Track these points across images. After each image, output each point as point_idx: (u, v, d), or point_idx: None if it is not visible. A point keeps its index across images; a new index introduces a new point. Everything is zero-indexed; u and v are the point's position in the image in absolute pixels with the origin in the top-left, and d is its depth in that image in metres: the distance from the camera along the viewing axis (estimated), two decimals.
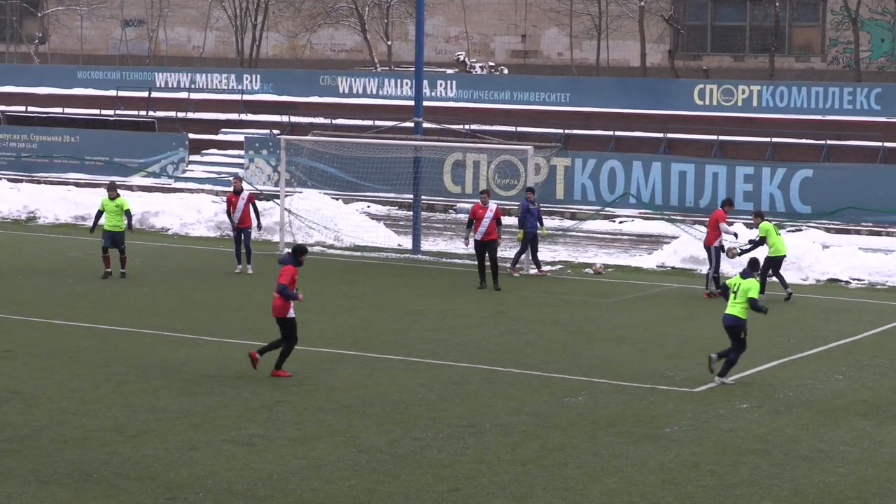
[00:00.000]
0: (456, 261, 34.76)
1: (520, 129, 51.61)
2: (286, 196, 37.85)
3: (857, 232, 42.12)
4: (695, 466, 16.56)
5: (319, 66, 69.43)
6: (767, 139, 48.79)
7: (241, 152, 53.97)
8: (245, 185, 34.07)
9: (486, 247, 30.49)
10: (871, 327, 26.41)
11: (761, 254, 30.79)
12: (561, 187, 47.09)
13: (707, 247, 30.23)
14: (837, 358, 23.14)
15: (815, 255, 33.14)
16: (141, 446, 16.89)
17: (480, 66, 64.91)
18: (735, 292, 21.16)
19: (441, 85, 57.10)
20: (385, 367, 21.76)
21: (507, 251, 33.94)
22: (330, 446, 17.11)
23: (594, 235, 42.15)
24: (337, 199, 42.21)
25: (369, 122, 50.88)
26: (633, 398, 20.03)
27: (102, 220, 31.14)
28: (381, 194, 47.89)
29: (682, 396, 20.23)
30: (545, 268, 33.19)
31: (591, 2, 65.49)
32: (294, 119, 56.03)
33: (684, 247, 34.54)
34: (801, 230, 40.10)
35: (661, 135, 50.31)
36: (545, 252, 36.82)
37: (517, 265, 32.88)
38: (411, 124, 37.57)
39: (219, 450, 16.82)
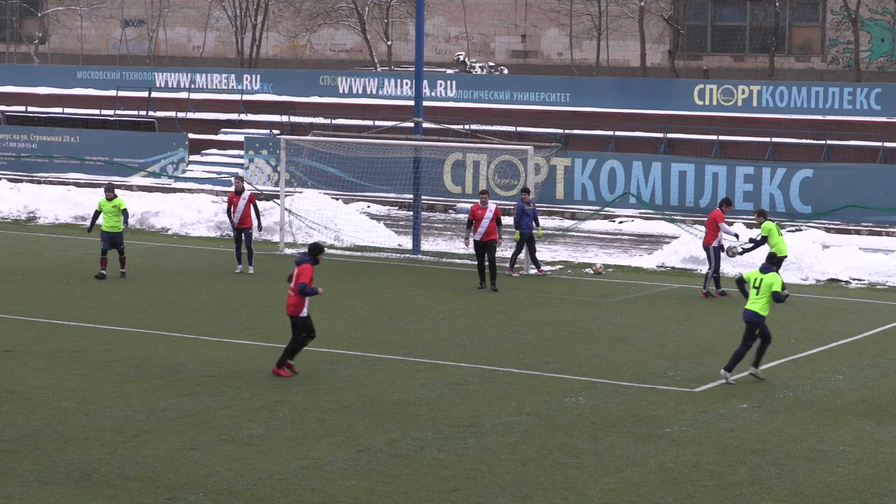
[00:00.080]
0: (456, 261, 34.77)
1: (520, 129, 51.63)
2: (286, 196, 37.85)
3: (857, 232, 42.13)
4: (695, 466, 16.56)
5: (319, 66, 69.46)
6: (767, 139, 48.81)
7: (241, 152, 53.98)
8: (245, 186, 34.03)
9: (485, 247, 30.49)
10: (871, 327, 26.41)
11: (763, 254, 30.82)
12: (561, 187, 47.11)
13: (705, 247, 30.22)
14: (837, 358, 23.14)
15: (815, 255, 33.14)
16: (141, 446, 16.90)
17: (480, 66, 64.92)
18: (757, 287, 21.14)
19: (441, 85, 57.11)
20: (385, 367, 21.76)
21: (506, 251, 33.93)
22: (330, 446, 17.12)
23: (594, 235, 42.16)
24: (337, 199, 42.21)
25: (369, 122, 50.90)
26: (633, 398, 20.03)
27: (100, 221, 31.14)
28: (381, 194, 47.90)
29: (682, 396, 20.23)
30: (545, 267, 33.20)
31: (591, 2, 65.51)
32: (294, 119, 56.04)
33: (684, 247, 34.55)
34: (801, 230, 40.10)
35: (661, 135, 50.32)
36: (545, 252, 36.83)
37: (515, 265, 32.87)
38: (411, 124, 37.57)
39: (219, 450, 16.82)
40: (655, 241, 40.32)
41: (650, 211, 44.09)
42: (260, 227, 32.99)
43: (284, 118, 56.34)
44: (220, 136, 56.61)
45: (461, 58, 65.18)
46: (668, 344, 24.35)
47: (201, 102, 60.03)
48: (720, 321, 26.81)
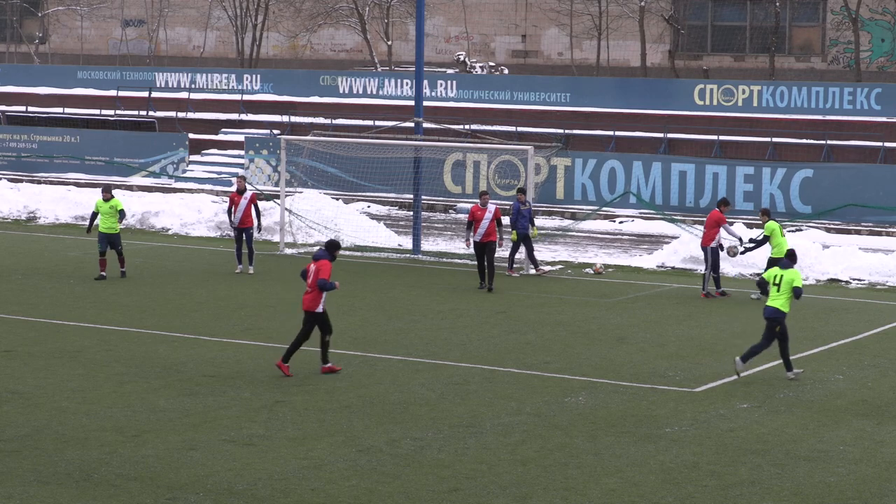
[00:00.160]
0: (456, 261, 34.77)
1: (520, 129, 51.63)
2: (286, 196, 37.85)
3: (858, 232, 42.14)
4: (695, 466, 16.56)
5: (319, 66, 69.47)
6: (768, 139, 48.81)
7: (242, 152, 54.00)
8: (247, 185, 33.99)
9: (484, 248, 30.47)
10: (871, 327, 26.40)
11: (764, 254, 30.81)
12: (561, 187, 47.12)
13: (703, 248, 30.20)
14: (837, 358, 23.14)
15: (815, 255, 33.14)
16: (141, 446, 16.90)
17: (481, 66, 64.92)
18: (777, 284, 21.15)
19: (441, 85, 57.12)
20: (385, 367, 21.76)
21: (506, 252, 33.90)
22: (330, 446, 17.12)
23: (594, 235, 42.16)
24: (337, 199, 42.22)
25: (369, 122, 50.90)
26: (633, 398, 20.03)
27: (98, 222, 31.10)
28: (381, 194, 47.91)
29: (682, 396, 20.23)
30: (544, 267, 33.18)
31: (592, 2, 65.52)
32: (294, 119, 56.05)
33: (684, 247, 34.55)
34: (801, 230, 40.10)
35: (661, 135, 50.32)
36: (545, 252, 36.84)
37: (514, 265, 32.87)
38: (411, 124, 37.57)
39: (219, 450, 16.82)
40: (655, 241, 40.32)
41: (650, 211, 44.09)
42: (259, 228, 32.92)
43: (285, 118, 56.35)
44: (220, 136, 56.62)
45: (461, 58, 65.19)
46: (668, 344, 24.35)
47: (201, 102, 60.04)
48: (720, 321, 26.81)
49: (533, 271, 32.70)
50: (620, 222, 44.54)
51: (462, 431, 17.92)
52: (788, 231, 38.21)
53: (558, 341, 24.36)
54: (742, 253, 30.56)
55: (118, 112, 59.32)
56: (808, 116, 50.44)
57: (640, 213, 45.05)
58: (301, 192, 42.14)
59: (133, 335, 24.10)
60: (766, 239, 29.73)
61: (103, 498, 14.97)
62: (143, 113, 59.03)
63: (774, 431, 18.28)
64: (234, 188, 33.33)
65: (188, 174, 53.74)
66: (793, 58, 63.95)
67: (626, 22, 65.65)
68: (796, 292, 21.04)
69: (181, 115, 58.51)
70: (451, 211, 47.71)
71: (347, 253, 36.14)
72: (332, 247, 21.53)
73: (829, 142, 48.05)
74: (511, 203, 34.39)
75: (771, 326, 21.21)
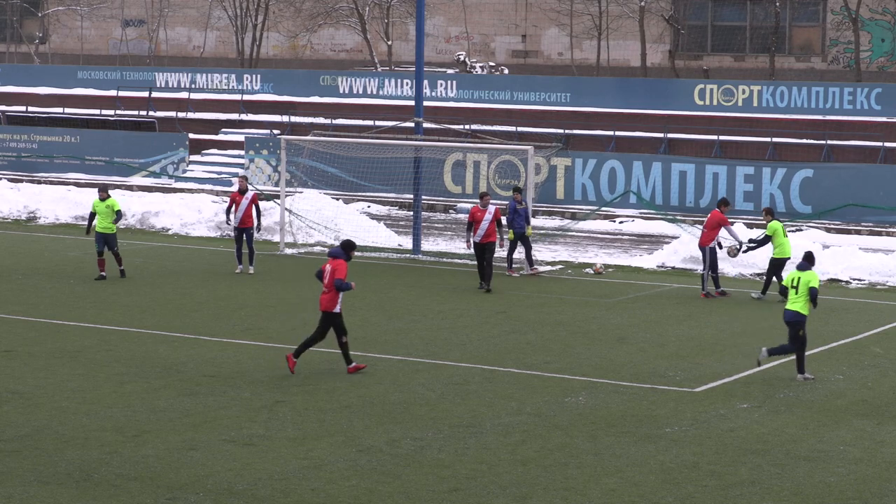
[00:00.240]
0: (456, 261, 34.77)
1: (520, 129, 51.63)
2: (286, 196, 37.85)
3: (858, 232, 42.14)
4: (695, 466, 16.56)
5: (320, 66, 69.47)
6: (768, 139, 48.82)
7: (242, 152, 54.01)
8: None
9: (484, 249, 30.45)
10: (871, 327, 26.40)
11: (765, 254, 30.81)
12: (561, 187, 47.12)
13: (702, 248, 30.18)
14: (837, 358, 23.14)
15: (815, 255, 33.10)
16: (141, 446, 16.90)
17: (481, 66, 64.93)
18: (795, 287, 21.13)
19: (441, 85, 57.12)
20: (385, 367, 21.76)
21: (505, 252, 33.90)
22: (330, 446, 17.12)
23: (594, 235, 42.16)
24: (337, 199, 42.22)
25: (369, 122, 50.91)
26: (633, 398, 20.03)
27: (96, 222, 31.07)
28: (381, 194, 47.91)
29: (682, 396, 20.23)
30: (539, 267, 33.08)
31: (592, 2, 65.53)
32: (294, 119, 56.05)
33: (684, 247, 34.54)
34: (801, 230, 40.10)
35: (661, 135, 50.33)
36: (546, 252, 36.85)
37: (513, 265, 32.86)
38: (412, 124, 37.57)
39: (219, 450, 16.82)
40: (656, 241, 40.33)
41: (650, 211, 44.10)
42: (259, 229, 32.86)
43: (285, 118, 56.35)
44: (220, 136, 56.63)
45: (461, 58, 65.19)
46: (668, 344, 24.35)
47: (201, 102, 60.04)
48: (720, 321, 26.81)
49: (527, 271, 32.63)
50: (620, 222, 44.54)
51: (462, 431, 17.92)
52: (789, 231, 38.19)
53: (558, 341, 24.36)
54: (744, 252, 30.56)
55: (118, 112, 59.33)
56: (808, 116, 50.44)
57: (641, 213, 45.06)
58: (301, 192, 42.14)
59: (133, 335, 24.11)
60: (767, 238, 29.73)
61: (103, 498, 14.98)
62: (144, 113, 59.04)
63: (774, 431, 18.28)
64: (235, 188, 33.30)
65: (188, 174, 53.75)
66: (793, 58, 63.96)
67: (626, 22, 65.66)
68: (811, 293, 21.02)
69: (181, 115, 58.52)
70: (451, 211, 47.71)
71: None
72: (348, 247, 21.47)
73: (829, 142, 48.05)
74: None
75: (794, 329, 21.18)
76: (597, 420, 18.68)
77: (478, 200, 31.60)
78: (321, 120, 54.94)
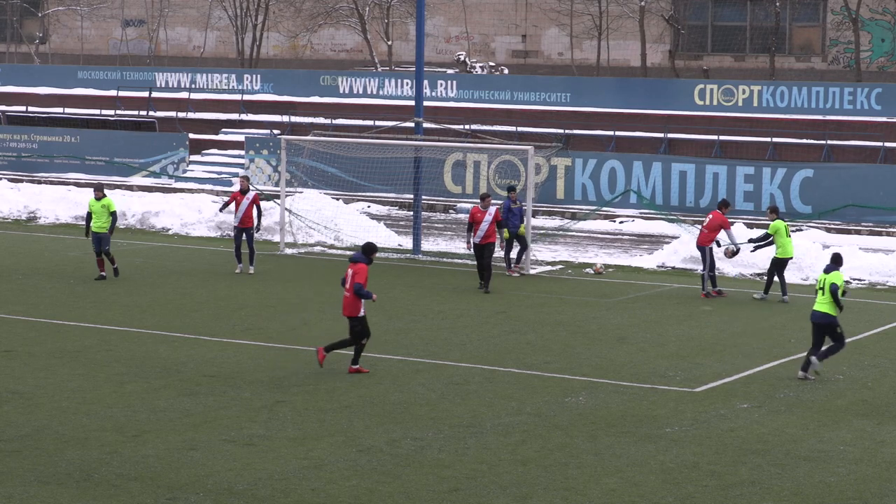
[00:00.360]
0: (456, 261, 34.76)
1: (520, 129, 51.64)
2: (287, 196, 37.84)
3: (858, 232, 42.14)
4: (695, 466, 16.56)
5: (320, 66, 69.48)
6: (768, 139, 48.82)
7: (242, 152, 54.01)
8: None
9: (484, 249, 30.43)
10: (871, 327, 26.40)
11: (767, 254, 30.80)
12: (561, 187, 47.13)
13: (701, 247, 30.17)
14: (837, 358, 23.11)
15: (815, 255, 33.13)
16: (141, 446, 16.90)
17: (481, 66, 64.93)
18: (822, 288, 21.23)
19: (441, 85, 57.12)
20: (385, 367, 21.76)
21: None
22: (330, 446, 17.11)
23: (594, 235, 42.16)
24: (337, 199, 42.22)
25: (370, 122, 50.91)
26: (633, 398, 20.03)
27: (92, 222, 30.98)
28: (381, 194, 47.91)
29: (682, 396, 20.23)
30: (522, 271, 32.87)
31: (592, 2, 65.52)
32: (294, 119, 56.05)
33: (684, 247, 34.54)
34: (801, 230, 40.10)
35: (661, 135, 50.33)
36: (546, 252, 36.85)
37: (513, 265, 32.85)
38: (412, 124, 37.56)
39: (219, 450, 16.82)
40: (656, 241, 40.33)
41: (650, 211, 44.10)
42: (258, 229, 32.80)
43: (285, 118, 56.35)
44: (220, 136, 56.63)
45: (461, 58, 65.19)
46: (668, 344, 24.35)
47: (202, 102, 60.04)
48: (720, 321, 26.81)
49: (509, 270, 32.45)
50: (621, 222, 44.54)
51: (462, 431, 17.92)
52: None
53: (558, 341, 24.36)
54: (752, 251, 30.59)
55: (118, 112, 59.33)
56: (809, 116, 50.44)
57: (641, 213, 45.06)
58: (301, 192, 42.14)
59: (133, 335, 24.11)
60: (768, 236, 29.72)
61: (103, 498, 14.98)
62: (144, 113, 59.03)
63: (774, 431, 18.28)
64: (235, 188, 33.27)
65: (188, 174, 53.75)
66: (793, 58, 63.96)
67: (626, 22, 65.66)
68: (831, 289, 21.08)
69: (181, 115, 58.51)
70: (451, 211, 47.71)
71: (348, 253, 36.14)
72: (369, 250, 21.41)
73: (829, 142, 48.05)
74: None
75: (819, 331, 21.25)
76: (597, 420, 18.68)
77: (478, 201, 31.57)
78: (321, 120, 54.94)
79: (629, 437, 17.83)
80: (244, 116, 58.08)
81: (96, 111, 59.93)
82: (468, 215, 31.39)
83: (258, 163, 52.98)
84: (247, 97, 59.58)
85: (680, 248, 34.83)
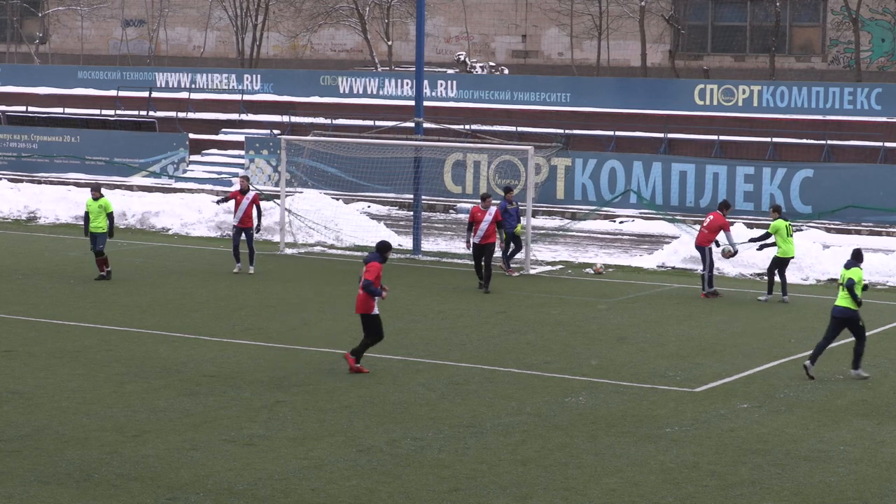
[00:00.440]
0: (456, 261, 34.76)
1: (520, 129, 51.64)
2: (287, 196, 37.84)
3: (858, 232, 42.14)
4: (695, 466, 16.56)
5: (320, 66, 69.48)
6: (768, 139, 48.82)
7: (242, 152, 54.01)
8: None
9: (483, 250, 30.40)
10: (872, 327, 26.34)
11: (768, 253, 30.78)
12: (561, 187, 47.12)
13: (701, 247, 30.16)
14: (837, 358, 23.12)
15: (815, 255, 33.14)
16: (141, 446, 16.89)
17: (481, 66, 64.93)
18: (843, 284, 21.30)
19: (441, 85, 57.13)
20: (385, 367, 21.76)
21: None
22: (330, 446, 17.11)
23: (594, 235, 42.16)
24: (337, 199, 42.21)
25: (370, 122, 50.91)
26: (633, 398, 20.03)
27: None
28: (381, 194, 47.91)
29: (682, 396, 20.23)
30: (516, 273, 32.83)
31: (592, 2, 65.53)
32: (294, 119, 56.05)
33: (685, 247, 34.54)
34: (801, 230, 40.10)
35: (661, 135, 50.33)
36: (546, 252, 36.86)
37: (512, 266, 32.84)
38: (412, 124, 37.56)
39: (219, 450, 16.82)
40: (656, 241, 40.33)
41: (650, 211, 44.10)
42: (258, 229, 32.79)
43: (285, 118, 56.35)
44: (220, 136, 56.62)
45: (461, 58, 65.19)
46: (668, 344, 24.35)
47: (202, 102, 60.04)
48: (720, 321, 26.81)
49: (504, 270, 32.48)
50: (621, 222, 44.54)
51: (462, 431, 17.92)
52: None
53: (558, 341, 24.36)
54: (758, 250, 30.62)
55: (118, 112, 59.32)
56: (809, 116, 50.45)
57: (641, 213, 45.06)
58: (301, 192, 42.13)
59: (133, 335, 24.10)
60: (768, 236, 29.71)
61: (103, 498, 14.97)
62: (144, 113, 59.03)
63: (775, 431, 18.27)
64: (235, 188, 33.27)
65: (188, 174, 53.75)
66: (793, 58, 63.96)
67: (626, 22, 65.66)
68: (847, 284, 21.15)
69: (181, 115, 58.51)
70: (451, 211, 47.71)
71: (347, 253, 36.16)
72: (383, 248, 21.39)
73: (829, 142, 48.06)
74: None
75: (836, 324, 21.38)
76: (597, 420, 18.68)
77: (478, 201, 31.56)
78: (321, 120, 54.94)
79: (629, 437, 17.83)
80: (244, 116, 58.08)
81: (96, 111, 59.93)
82: (468, 215, 31.38)
83: (258, 163, 52.98)
84: (247, 97, 59.58)
85: (680, 248, 34.83)
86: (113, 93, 61.30)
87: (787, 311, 28.23)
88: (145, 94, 60.20)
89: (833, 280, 32.43)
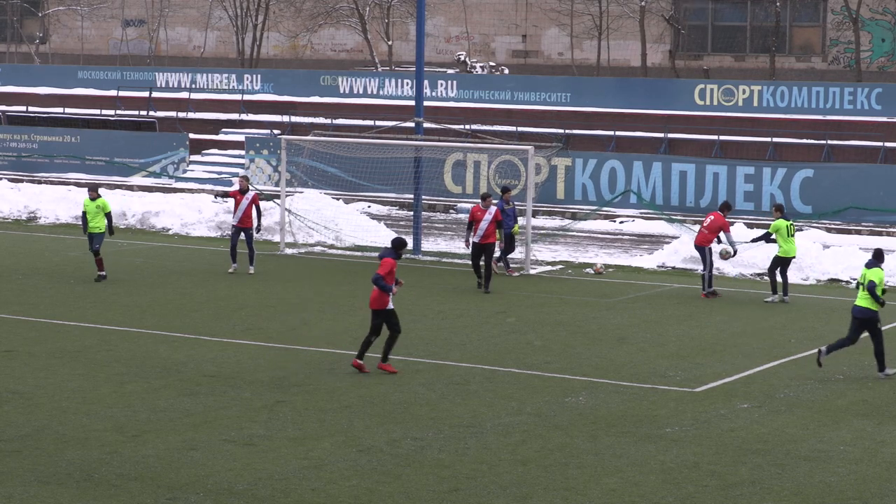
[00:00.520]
0: (456, 261, 34.75)
1: (520, 129, 51.63)
2: (287, 196, 37.84)
3: (858, 232, 42.13)
4: (695, 466, 16.56)
5: (320, 66, 69.48)
6: (768, 139, 48.82)
7: (242, 152, 54.00)
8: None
9: (483, 249, 30.39)
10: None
11: (769, 253, 30.77)
12: (561, 187, 47.12)
13: (701, 247, 30.14)
14: (837, 358, 23.11)
15: (815, 254, 33.13)
16: (141, 446, 16.89)
17: (481, 66, 64.93)
18: (863, 284, 21.36)
19: (442, 85, 57.13)
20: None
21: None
22: (331, 446, 17.11)
23: (595, 235, 42.16)
24: (337, 199, 42.22)
25: (370, 122, 50.91)
26: (633, 398, 20.03)
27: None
28: (381, 194, 47.90)
29: (682, 396, 20.23)
30: (515, 273, 32.84)
31: (592, 2, 65.54)
32: (294, 119, 56.05)
33: (685, 247, 34.53)
34: (801, 230, 40.08)
35: (661, 135, 50.32)
36: (546, 252, 36.86)
37: (511, 266, 32.84)
38: (412, 124, 37.56)
39: (219, 450, 16.82)
40: (656, 241, 40.32)
41: (651, 211, 44.09)
42: (258, 229, 32.79)
43: (285, 118, 56.35)
44: (220, 136, 56.62)
45: (462, 58, 65.19)
46: (668, 344, 24.35)
47: (202, 102, 60.04)
48: (720, 321, 26.80)
49: (502, 269, 32.45)
50: (621, 222, 44.53)
51: (462, 431, 17.92)
52: None
53: (558, 341, 24.36)
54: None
55: (118, 112, 59.32)
56: (809, 116, 50.45)
57: (641, 213, 45.05)
58: (301, 192, 42.13)
59: (133, 335, 24.10)
60: (768, 235, 29.69)
61: (103, 498, 14.97)
62: (144, 113, 59.03)
63: (775, 431, 18.27)
64: (235, 187, 33.26)
65: (188, 174, 53.75)
66: (793, 58, 63.96)
67: (626, 22, 65.66)
68: (868, 286, 21.16)
69: (181, 115, 58.51)
70: (451, 211, 47.71)
71: (348, 253, 36.16)
72: (398, 245, 21.41)
73: (829, 142, 48.05)
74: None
75: (857, 324, 21.43)
76: (597, 420, 18.68)
77: (478, 200, 31.55)
78: (321, 120, 54.93)
79: (629, 437, 17.83)
80: (244, 116, 58.08)
81: (96, 111, 59.93)
82: (468, 215, 31.38)
83: (258, 163, 52.98)
84: (247, 97, 59.59)
85: (680, 248, 34.83)
86: (113, 93, 61.31)
87: (787, 311, 28.23)
88: (145, 94, 60.20)
89: (833, 280, 32.44)
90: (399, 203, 47.98)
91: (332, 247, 37.03)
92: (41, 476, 15.67)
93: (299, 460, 16.45)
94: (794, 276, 31.59)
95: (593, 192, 46.58)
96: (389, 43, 68.23)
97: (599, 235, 42.26)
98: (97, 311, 26.53)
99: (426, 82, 51.94)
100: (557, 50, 68.55)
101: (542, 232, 40.16)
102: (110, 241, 31.68)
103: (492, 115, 53.57)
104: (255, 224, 32.18)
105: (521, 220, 33.92)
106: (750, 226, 37.12)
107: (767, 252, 31.34)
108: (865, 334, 21.84)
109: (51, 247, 36.38)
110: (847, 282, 32.29)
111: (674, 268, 34.17)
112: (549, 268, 33.80)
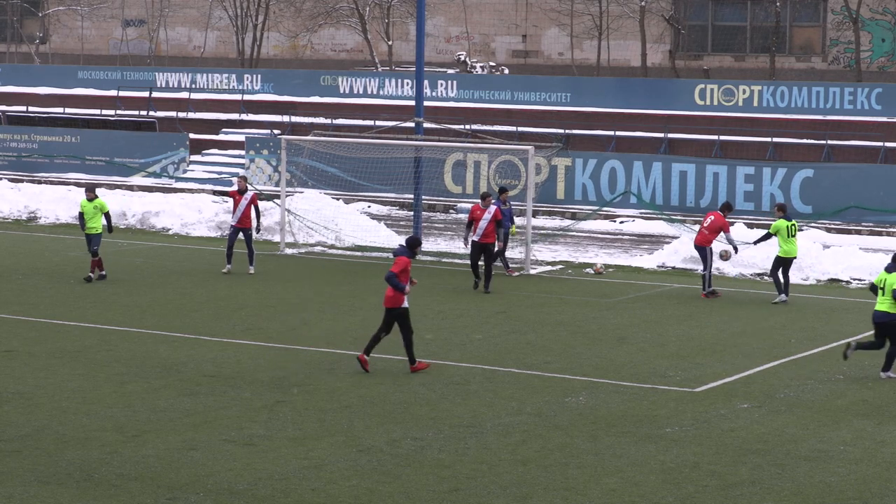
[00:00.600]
0: (456, 261, 34.74)
1: (520, 129, 51.64)
2: (287, 196, 37.84)
3: (858, 232, 42.13)
4: (695, 466, 16.56)
5: (320, 66, 69.48)
6: (768, 139, 48.82)
7: (242, 152, 53.99)
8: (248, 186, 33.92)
9: (482, 249, 30.38)
10: (871, 327, 26.32)
11: (769, 253, 30.78)
12: (562, 187, 47.12)
13: (701, 247, 30.13)
14: (837, 358, 23.12)
15: (815, 254, 33.13)
16: (141, 446, 16.90)
17: (481, 66, 64.93)
18: (882, 288, 21.33)
19: (442, 85, 57.13)
20: (385, 367, 21.75)
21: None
22: (331, 446, 17.11)
23: (595, 235, 42.16)
24: (337, 199, 42.21)
25: (370, 122, 50.92)
26: (633, 398, 20.03)
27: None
28: (381, 194, 47.90)
29: (683, 396, 20.23)
30: (515, 273, 32.85)
31: (592, 2, 65.54)
32: (295, 119, 56.05)
33: (685, 247, 34.53)
34: (801, 230, 40.08)
35: (661, 135, 50.32)
36: (546, 252, 36.86)
37: (510, 266, 32.83)
38: (412, 124, 37.56)
39: (219, 450, 16.82)
40: (656, 241, 40.32)
41: (650, 211, 44.09)
42: (258, 229, 32.79)
43: (285, 118, 56.35)
44: (220, 136, 56.62)
45: (462, 58, 65.19)
46: (668, 344, 24.35)
47: (202, 102, 60.05)
48: (720, 321, 26.80)
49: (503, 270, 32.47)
50: (621, 222, 44.53)
51: (462, 431, 17.92)
52: None
53: (558, 341, 24.36)
54: (754, 243, 30.58)
55: (118, 112, 59.33)
56: (809, 116, 50.45)
57: (641, 213, 45.04)
58: (301, 192, 42.13)
59: (133, 335, 24.11)
60: (769, 236, 29.68)
61: (103, 498, 14.98)
62: (144, 113, 59.03)
63: (775, 431, 18.28)
64: (234, 188, 33.27)
65: (188, 174, 53.74)
66: (793, 58, 63.96)
67: (626, 22, 65.66)
68: (894, 294, 21.11)
69: (181, 115, 58.51)
70: (451, 211, 47.71)
71: (347, 253, 36.16)
72: (412, 244, 21.47)
73: (829, 142, 48.05)
74: (512, 203, 34.30)
75: (881, 330, 21.42)
76: (597, 420, 18.68)
77: (478, 200, 31.56)
78: (321, 120, 54.93)
79: (629, 437, 17.83)
80: (244, 116, 58.09)
81: (96, 111, 59.93)
82: (468, 214, 31.38)
83: (258, 163, 52.98)
84: (247, 97, 59.59)
85: (680, 248, 34.83)
86: (113, 93, 61.31)
87: (788, 311, 28.23)
88: (145, 94, 60.20)
89: (833, 280, 32.44)
90: (399, 203, 47.98)
91: (332, 247, 37.03)
92: (41, 476, 15.68)
93: (299, 460, 16.45)
94: (794, 276, 31.58)
95: (593, 192, 46.59)
96: (389, 43, 68.24)
97: (599, 235, 42.27)
98: (97, 311, 26.53)
99: (426, 82, 51.95)
100: (557, 50, 68.56)
101: (543, 232, 40.16)
102: (110, 241, 31.68)
103: (492, 115, 53.57)
104: (254, 224, 32.19)
105: (517, 221, 33.91)
106: (750, 226, 37.12)
107: (768, 252, 31.35)
108: None
109: (51, 247, 36.38)
110: (847, 282, 32.30)
111: (674, 268, 34.18)
112: (549, 268, 33.80)
